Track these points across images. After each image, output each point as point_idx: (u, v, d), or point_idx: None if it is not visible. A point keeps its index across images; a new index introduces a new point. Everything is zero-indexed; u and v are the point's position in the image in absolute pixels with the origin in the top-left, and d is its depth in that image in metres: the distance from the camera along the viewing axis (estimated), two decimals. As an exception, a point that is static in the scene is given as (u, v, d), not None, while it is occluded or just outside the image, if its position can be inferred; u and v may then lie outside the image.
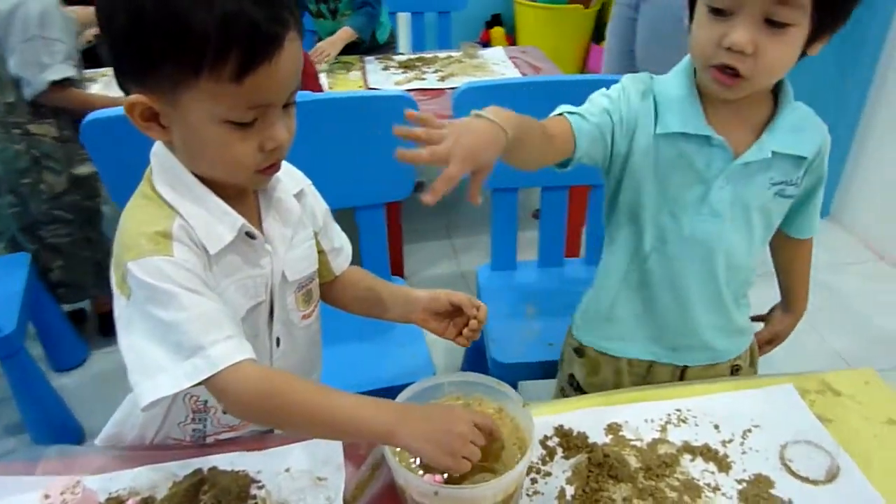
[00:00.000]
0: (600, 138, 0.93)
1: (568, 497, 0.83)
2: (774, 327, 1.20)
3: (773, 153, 0.92)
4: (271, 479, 0.83)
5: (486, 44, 3.39)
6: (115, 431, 0.92)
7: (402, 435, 0.68)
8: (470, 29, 3.47)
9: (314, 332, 0.95)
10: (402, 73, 2.27)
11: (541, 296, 1.54)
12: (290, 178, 0.86)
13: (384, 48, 2.54)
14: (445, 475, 0.72)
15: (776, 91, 0.93)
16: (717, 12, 0.82)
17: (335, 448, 0.87)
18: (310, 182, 0.90)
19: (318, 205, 0.92)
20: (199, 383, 0.68)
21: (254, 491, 0.82)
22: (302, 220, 0.87)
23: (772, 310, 1.22)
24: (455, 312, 0.92)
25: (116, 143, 1.27)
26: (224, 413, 0.87)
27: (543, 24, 3.46)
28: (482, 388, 0.81)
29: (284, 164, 0.82)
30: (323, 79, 2.14)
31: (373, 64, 2.34)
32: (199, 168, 0.74)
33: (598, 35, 3.59)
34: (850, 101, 2.48)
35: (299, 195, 0.87)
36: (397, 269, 2.32)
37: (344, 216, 1.64)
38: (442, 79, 2.21)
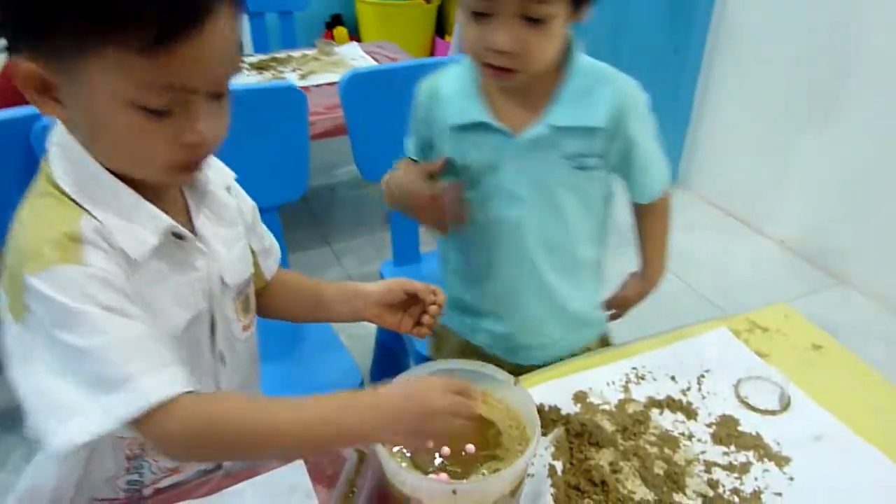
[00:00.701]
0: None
1: (559, 472, 0.79)
2: (622, 291, 1.12)
3: (553, 128, 0.88)
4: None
5: (329, 45, 3.29)
6: None
7: (375, 435, 0.61)
8: (311, 30, 3.35)
9: (253, 344, 0.84)
10: (258, 73, 2.13)
11: (451, 284, 1.50)
12: (217, 171, 0.75)
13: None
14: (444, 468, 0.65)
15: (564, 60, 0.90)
16: (477, 15, 0.81)
17: (300, 473, 0.77)
18: (234, 175, 0.80)
19: (245, 200, 0.82)
20: (127, 424, 0.56)
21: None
22: (235, 217, 0.76)
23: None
24: (409, 302, 0.85)
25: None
26: None
27: (385, 22, 3.42)
28: (460, 374, 0.75)
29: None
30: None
31: (223, 67, 2.18)
32: (103, 157, 0.61)
33: (440, 29, 3.63)
34: (685, 72, 2.68)
35: (228, 190, 0.77)
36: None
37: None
38: (302, 76, 2.11)
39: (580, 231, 0.99)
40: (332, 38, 3.46)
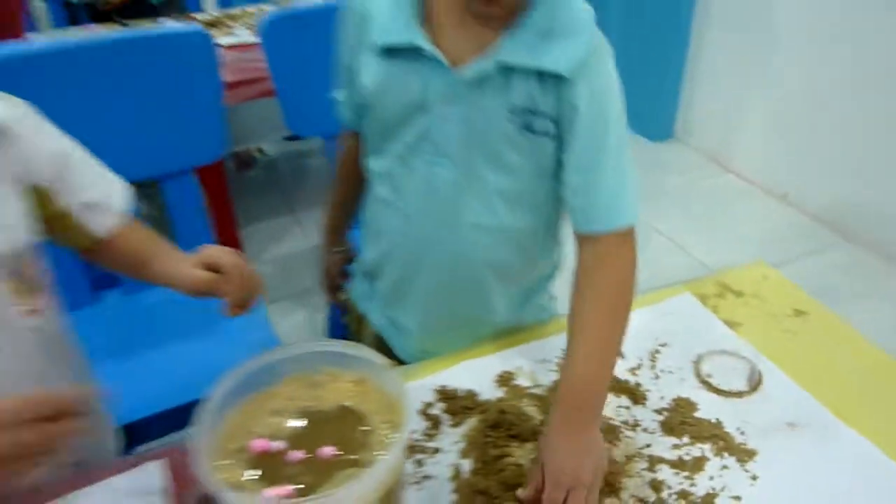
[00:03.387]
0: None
1: (465, 474, 0.65)
2: (540, 461, 0.63)
3: (502, 66, 0.66)
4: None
5: None
6: None
7: None
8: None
9: (55, 339, 0.69)
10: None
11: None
12: None
13: (165, 8, 2.20)
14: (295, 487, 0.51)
15: None
16: None
17: (156, 476, 0.64)
18: (24, 113, 0.64)
19: (42, 147, 0.66)
20: None
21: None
22: None
23: None
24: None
25: None
26: None
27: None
28: (331, 357, 0.60)
29: None
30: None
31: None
32: None
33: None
34: (678, 21, 2.48)
35: None
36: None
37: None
38: (254, 33, 1.95)
39: (527, 217, 0.75)
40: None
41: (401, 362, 0.86)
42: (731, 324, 0.84)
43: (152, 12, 2.15)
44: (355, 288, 0.95)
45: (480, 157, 0.70)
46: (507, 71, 0.66)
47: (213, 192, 1.87)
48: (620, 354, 0.76)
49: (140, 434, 0.96)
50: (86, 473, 0.66)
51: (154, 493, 0.64)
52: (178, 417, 0.97)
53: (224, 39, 1.89)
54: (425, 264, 0.78)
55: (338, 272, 1.02)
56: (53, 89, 1.02)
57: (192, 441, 0.51)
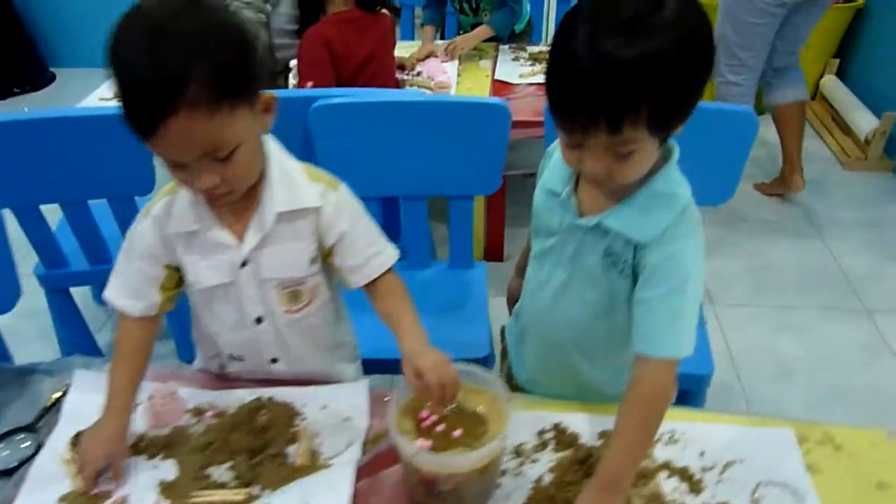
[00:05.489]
0: None
1: (544, 483, 0.97)
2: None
3: (603, 226, 0.95)
4: (312, 413, 1.06)
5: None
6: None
7: None
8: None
9: (309, 326, 1.11)
10: (530, 65, 2.38)
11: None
12: (288, 198, 0.99)
13: (520, 37, 2.65)
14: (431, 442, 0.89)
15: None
16: (570, 144, 0.88)
17: (363, 395, 1.09)
18: (335, 202, 1.02)
19: (337, 225, 1.03)
20: None
21: (296, 421, 1.05)
22: (296, 232, 1.02)
23: None
24: None
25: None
26: None
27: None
28: (479, 377, 0.96)
29: (297, 184, 1.01)
30: (453, 66, 2.31)
31: (505, 54, 2.47)
32: None
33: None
34: None
35: (298, 212, 1.00)
36: (496, 252, 2.51)
37: (437, 202, 1.83)
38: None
39: (595, 319, 1.05)
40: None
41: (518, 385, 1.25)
42: (812, 468, 1.00)
43: (505, 38, 2.61)
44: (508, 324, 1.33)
45: (580, 274, 1.03)
46: (608, 228, 0.96)
47: (492, 201, 2.31)
48: (650, 447, 1.01)
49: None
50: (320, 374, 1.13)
51: (359, 408, 1.07)
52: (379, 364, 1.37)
53: (537, 78, 2.27)
54: (532, 331, 1.16)
55: (515, 296, 1.37)
56: (394, 131, 1.52)
57: (391, 400, 0.92)
